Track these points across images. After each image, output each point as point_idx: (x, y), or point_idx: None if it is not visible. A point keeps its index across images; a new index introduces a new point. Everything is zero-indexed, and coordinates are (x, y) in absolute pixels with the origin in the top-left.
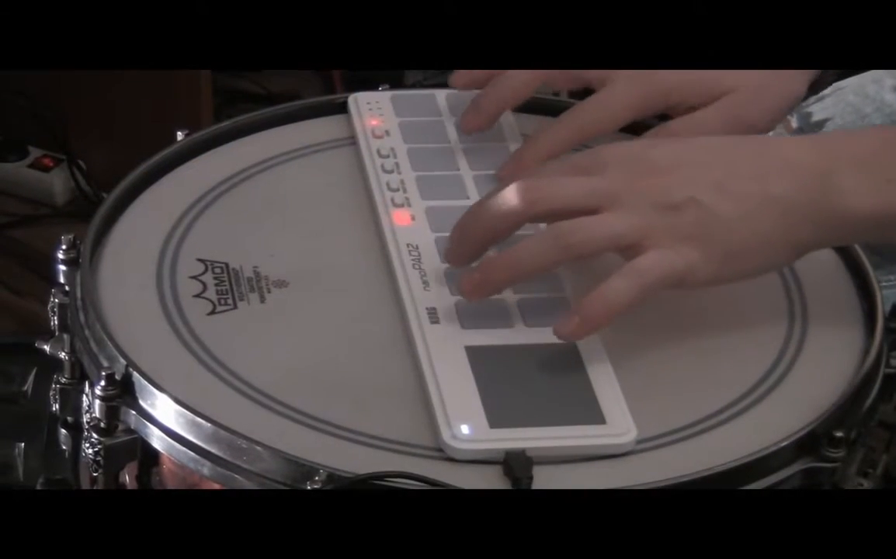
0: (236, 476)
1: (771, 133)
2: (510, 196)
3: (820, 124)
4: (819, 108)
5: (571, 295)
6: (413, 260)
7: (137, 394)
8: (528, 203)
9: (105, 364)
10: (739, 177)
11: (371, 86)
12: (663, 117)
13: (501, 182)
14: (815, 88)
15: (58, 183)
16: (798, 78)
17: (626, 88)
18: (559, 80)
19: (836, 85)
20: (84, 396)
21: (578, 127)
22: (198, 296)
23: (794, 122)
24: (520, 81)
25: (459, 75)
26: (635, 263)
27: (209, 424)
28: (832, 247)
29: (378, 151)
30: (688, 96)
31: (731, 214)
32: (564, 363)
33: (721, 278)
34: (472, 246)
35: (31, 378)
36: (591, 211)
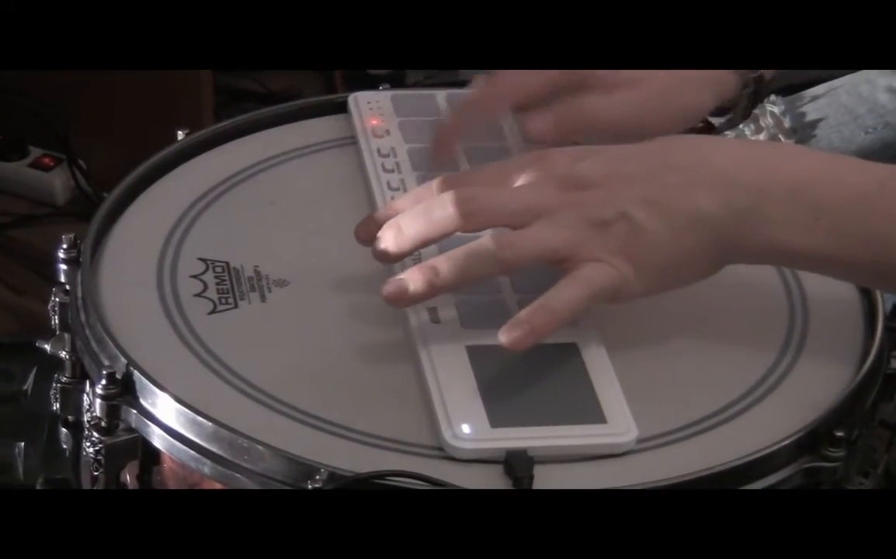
0: (237, 475)
1: (763, 133)
2: (447, 205)
3: (813, 124)
4: (812, 109)
5: None
6: (413, 259)
7: (138, 393)
8: (463, 216)
9: (106, 363)
10: (670, 191)
11: (372, 85)
12: None
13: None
14: (724, 108)
15: (58, 182)
16: (706, 90)
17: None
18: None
19: (829, 84)
20: (85, 395)
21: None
22: (198, 295)
23: (786, 123)
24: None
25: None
26: (580, 273)
27: (210, 423)
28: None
29: (378, 151)
30: (604, 75)
31: (661, 230)
32: (565, 362)
33: (652, 291)
34: (401, 250)
35: (31, 377)
36: (525, 225)
